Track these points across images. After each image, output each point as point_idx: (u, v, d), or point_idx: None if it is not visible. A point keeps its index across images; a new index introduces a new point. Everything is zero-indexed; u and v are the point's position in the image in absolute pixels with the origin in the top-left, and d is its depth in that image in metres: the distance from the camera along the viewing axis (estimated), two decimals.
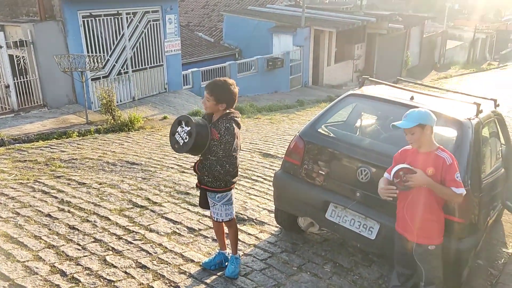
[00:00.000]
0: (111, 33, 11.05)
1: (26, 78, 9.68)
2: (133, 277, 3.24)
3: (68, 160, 6.24)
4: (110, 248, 3.61)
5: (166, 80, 12.81)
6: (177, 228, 4.13)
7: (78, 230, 3.87)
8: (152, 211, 4.46)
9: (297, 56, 18.65)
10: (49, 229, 3.82)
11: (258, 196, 5.24)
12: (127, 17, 11.34)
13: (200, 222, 4.29)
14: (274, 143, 8.35)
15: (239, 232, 4.14)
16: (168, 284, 3.22)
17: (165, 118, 10.63)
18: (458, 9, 64.69)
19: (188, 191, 5.11)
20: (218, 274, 3.42)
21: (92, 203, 4.51)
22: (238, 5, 24.65)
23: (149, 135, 8.77)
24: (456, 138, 3.40)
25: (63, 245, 3.57)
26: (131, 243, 3.73)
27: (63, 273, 3.18)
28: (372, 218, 3.41)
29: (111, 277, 3.21)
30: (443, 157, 2.84)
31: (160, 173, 5.79)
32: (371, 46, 22.82)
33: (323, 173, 3.69)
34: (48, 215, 4.11)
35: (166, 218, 4.31)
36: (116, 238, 3.78)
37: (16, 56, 9.56)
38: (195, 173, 3.24)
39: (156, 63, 12.40)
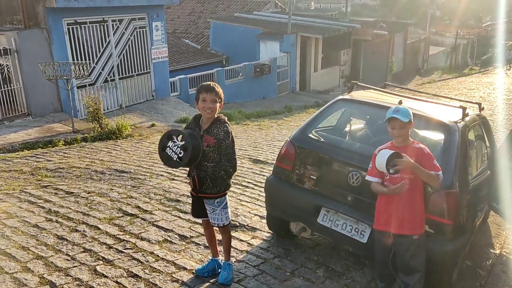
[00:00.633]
0: (97, 41, 10.98)
1: (10, 86, 9.53)
2: (124, 287, 3.20)
3: (55, 169, 6.16)
4: (101, 258, 3.56)
5: (154, 87, 12.76)
6: (169, 236, 4.09)
7: (66, 240, 3.81)
8: (142, 219, 4.42)
9: (284, 62, 18.77)
10: (37, 240, 3.76)
11: (249, 202, 5.24)
12: (113, 24, 11.28)
13: (192, 229, 4.27)
14: (263, 149, 8.36)
15: (232, 238, 4.15)
16: None
17: (153, 125, 10.57)
18: (440, 16, 65.97)
19: (178, 198, 5.08)
20: (211, 281, 3.40)
21: (81, 212, 4.45)
22: (225, 12, 24.76)
23: (138, 142, 8.71)
24: (444, 141, 3.46)
25: (51, 255, 3.51)
26: (122, 252, 3.69)
27: (52, 285, 3.12)
28: (363, 221, 3.43)
29: (101, 287, 3.16)
30: (421, 147, 3.06)
31: (149, 180, 5.75)
32: (356, 52, 23.11)
33: (315, 177, 3.71)
34: (36, 226, 4.04)
35: (157, 226, 4.28)
36: (106, 248, 3.74)
37: (0, 64, 9.42)
38: (192, 185, 3.18)
39: (143, 70, 12.34)
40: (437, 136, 3.66)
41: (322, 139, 3.92)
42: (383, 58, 25.27)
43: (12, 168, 6.23)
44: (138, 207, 4.73)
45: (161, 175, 6.05)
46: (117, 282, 3.24)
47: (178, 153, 2.98)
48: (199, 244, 3.98)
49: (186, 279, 3.40)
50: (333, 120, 4.51)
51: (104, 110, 10.64)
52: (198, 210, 3.32)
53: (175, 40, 20.42)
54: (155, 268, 3.49)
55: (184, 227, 4.32)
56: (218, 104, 3.07)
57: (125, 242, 3.87)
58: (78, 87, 10.45)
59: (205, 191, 3.16)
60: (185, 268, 3.54)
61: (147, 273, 3.40)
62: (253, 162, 7.22)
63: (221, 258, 3.50)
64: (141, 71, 12.27)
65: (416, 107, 3.69)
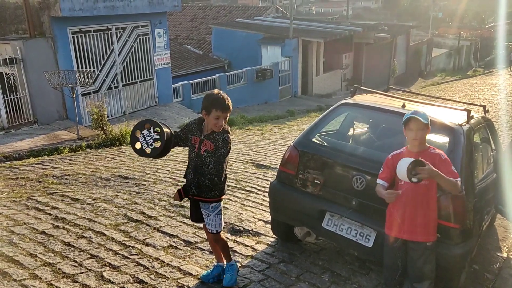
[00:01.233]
0: (101, 48, 11.07)
1: (16, 95, 9.61)
2: None
3: (61, 176, 6.19)
4: (107, 264, 3.57)
5: (157, 94, 12.82)
6: (174, 242, 4.11)
7: (73, 246, 3.83)
8: (147, 225, 4.44)
9: (286, 67, 18.82)
10: (45, 247, 3.78)
11: (253, 207, 5.24)
12: (116, 32, 11.37)
13: (197, 235, 4.28)
14: (266, 153, 8.37)
15: (235, 244, 4.17)
16: None
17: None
18: (442, 18, 65.98)
19: (183, 204, 5.09)
20: (216, 287, 3.40)
21: (87, 219, 4.48)
22: (226, 17, 24.89)
23: None
24: (449, 144, 3.46)
25: (59, 262, 3.53)
26: (128, 258, 3.71)
27: None
28: (368, 226, 3.43)
29: None
30: (438, 153, 3.01)
31: (154, 186, 5.77)
32: (358, 56, 23.14)
33: (319, 182, 3.72)
34: (43, 233, 4.06)
35: (162, 232, 4.29)
36: (112, 254, 3.75)
37: (6, 73, 9.50)
38: (178, 198, 3.17)
39: (146, 77, 12.42)
40: (442, 139, 3.66)
41: (325, 143, 3.93)
42: (385, 61, 25.30)
43: (19, 175, 6.27)
44: (143, 213, 4.75)
45: (165, 181, 6.07)
46: None
47: (149, 143, 3.00)
48: (204, 250, 3.99)
49: (192, 285, 3.41)
50: (336, 124, 4.53)
51: (108, 117, 10.70)
52: (197, 214, 3.32)
53: (177, 46, 20.54)
54: (160, 274, 3.50)
55: (189, 232, 4.33)
56: (226, 120, 3.10)
57: (130, 248, 3.88)
58: (82, 95, 10.52)
59: (200, 194, 3.16)
60: (190, 274, 3.55)
61: (153, 279, 3.41)
62: (256, 167, 7.23)
63: (225, 263, 3.50)
64: (144, 77, 12.35)
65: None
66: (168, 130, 3.09)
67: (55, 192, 5.35)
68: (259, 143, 9.72)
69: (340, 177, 3.65)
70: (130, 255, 3.76)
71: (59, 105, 10.38)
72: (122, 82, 11.78)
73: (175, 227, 4.45)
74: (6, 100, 9.42)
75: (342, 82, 22.33)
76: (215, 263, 3.56)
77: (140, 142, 3.03)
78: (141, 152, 3.07)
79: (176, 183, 5.99)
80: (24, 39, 9.74)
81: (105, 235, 4.11)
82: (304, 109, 16.73)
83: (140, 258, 3.73)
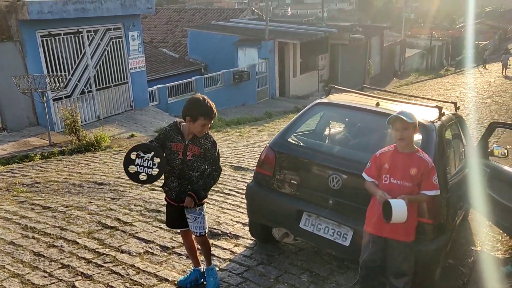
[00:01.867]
0: (72, 52, 10.82)
1: None
2: None
3: (31, 184, 5.99)
4: (79, 273, 3.46)
5: (132, 98, 12.61)
6: (150, 248, 4.01)
7: (44, 256, 3.69)
8: (122, 231, 4.32)
9: (263, 69, 18.83)
10: (13, 257, 3.63)
11: (232, 210, 5.19)
12: (88, 35, 11.14)
13: (173, 240, 4.19)
14: (244, 155, 8.33)
15: (213, 247, 4.10)
16: None
17: (132, 136, 10.43)
18: (414, 19, 67.46)
19: (159, 209, 4.99)
20: None
21: (58, 227, 4.33)
22: (202, 20, 24.75)
23: (117, 154, 8.56)
24: (421, 141, 3.49)
25: (28, 273, 3.40)
26: (102, 266, 3.60)
27: None
28: (345, 224, 3.43)
29: None
30: (427, 161, 3.00)
31: (129, 192, 5.65)
32: (334, 57, 23.37)
33: (295, 182, 3.70)
34: (12, 243, 3.91)
35: (138, 238, 4.19)
36: (85, 262, 3.64)
37: None
38: (175, 201, 3.15)
39: (121, 80, 12.20)
40: (415, 137, 3.69)
41: (301, 143, 3.91)
42: (361, 62, 25.64)
43: None
44: (118, 219, 4.63)
45: (141, 186, 5.95)
46: None
47: (150, 166, 2.92)
48: (181, 255, 3.92)
49: None
50: (312, 124, 4.52)
51: (82, 122, 10.46)
52: (176, 220, 3.26)
53: (153, 49, 20.28)
54: (136, 281, 3.41)
55: (165, 237, 4.24)
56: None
57: (104, 255, 3.77)
58: (54, 100, 10.25)
59: (183, 199, 3.10)
60: (167, 280, 3.47)
61: (127, 287, 3.32)
62: (235, 169, 7.18)
63: (203, 267, 3.44)
64: (118, 81, 12.13)
65: (393, 108, 3.72)
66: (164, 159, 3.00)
67: (25, 201, 5.17)
68: (237, 145, 9.67)
69: (316, 177, 3.63)
70: (104, 263, 3.65)
71: (29, 111, 10.08)
72: (96, 86, 11.54)
73: (151, 232, 4.35)
74: None
75: (319, 83, 22.50)
76: (192, 268, 3.49)
77: (135, 166, 2.94)
78: (134, 177, 2.98)
79: (152, 187, 5.87)
80: None
81: (77, 243, 3.98)
82: (282, 110, 16.77)
83: (114, 265, 3.62)
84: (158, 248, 4.02)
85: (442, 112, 3.74)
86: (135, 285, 3.36)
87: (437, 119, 3.66)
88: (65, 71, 10.56)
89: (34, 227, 4.29)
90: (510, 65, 28.79)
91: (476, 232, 5.16)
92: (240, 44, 19.17)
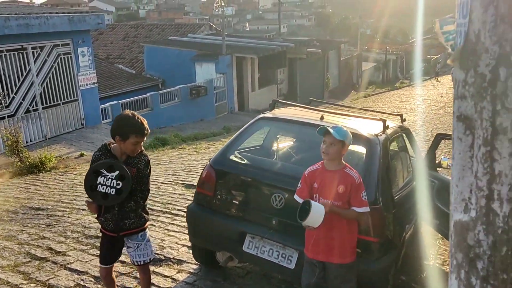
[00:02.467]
0: (15, 69, 10.24)
1: None
2: None
3: None
4: None
5: (83, 115, 12.08)
6: (82, 279, 3.66)
7: None
8: (53, 262, 3.95)
9: (221, 83, 18.71)
10: None
11: (178, 232, 4.90)
12: (33, 52, 10.60)
13: None
14: (198, 172, 8.02)
15: (153, 275, 3.81)
16: None
17: (82, 155, 9.91)
18: (370, 34, 69.91)
19: (99, 234, 4.61)
20: None
21: None
22: (159, 35, 24.44)
23: (62, 175, 8.07)
24: (365, 155, 3.39)
25: None
26: None
27: None
28: (290, 246, 3.24)
29: None
30: (353, 176, 2.83)
31: (68, 217, 5.25)
32: (293, 70, 23.62)
33: (237, 202, 3.49)
34: None
35: (70, 269, 3.83)
36: None
37: None
38: (114, 232, 2.86)
39: (70, 98, 11.66)
40: (359, 150, 3.59)
41: (244, 161, 3.72)
42: (319, 75, 26.04)
43: None
44: (50, 248, 4.24)
45: (83, 209, 5.55)
46: None
47: (114, 185, 2.64)
48: (117, 285, 3.59)
49: None
50: (260, 139, 4.36)
51: (26, 142, 9.88)
52: (113, 255, 2.97)
53: (108, 66, 19.76)
54: None
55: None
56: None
57: None
58: None
59: (129, 227, 2.85)
60: None
61: None
62: (186, 187, 6.89)
63: None
64: (67, 99, 11.58)
65: (338, 122, 3.61)
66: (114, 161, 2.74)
67: None
68: (192, 162, 9.39)
69: (259, 196, 3.44)
70: None
71: None
72: (43, 104, 10.96)
73: (86, 262, 4.00)
74: None
75: (279, 97, 22.61)
76: None
77: (106, 192, 2.66)
78: (94, 196, 2.69)
79: None
80: None
81: None
82: (240, 125, 16.54)
83: None
84: (92, 280, 3.68)
85: (386, 125, 3.66)
86: None
87: (381, 132, 3.57)
88: (7, 89, 9.96)
89: None
90: None
91: (429, 244, 5.11)
92: (198, 59, 19.00)
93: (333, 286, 2.89)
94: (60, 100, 11.41)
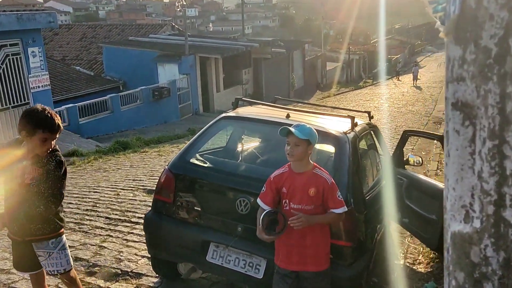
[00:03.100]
0: None
1: None
2: None
3: None
4: None
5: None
6: None
7: None
8: None
9: (185, 84, 18.29)
10: None
11: (137, 242, 4.55)
12: None
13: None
14: None
15: None
16: None
17: None
18: (333, 35, 71.06)
19: None
20: None
21: None
22: (119, 36, 23.68)
23: None
24: (334, 154, 3.20)
25: None
26: None
27: None
28: (257, 254, 3.00)
29: None
30: (324, 178, 2.62)
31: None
32: (258, 71, 23.48)
33: (200, 209, 3.21)
34: None
35: None
36: None
37: None
38: (20, 236, 2.56)
39: (21, 101, 10.96)
40: (327, 149, 3.40)
41: (206, 164, 3.45)
42: (284, 75, 26.04)
43: None
44: None
45: None
46: None
47: None
48: None
49: None
50: (223, 140, 4.10)
51: None
52: (26, 261, 2.67)
53: (64, 67, 18.89)
54: None
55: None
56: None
57: None
58: None
59: (35, 232, 2.55)
60: None
61: None
62: (148, 193, 6.51)
63: None
64: (18, 102, 10.88)
65: (305, 120, 3.40)
66: None
67: None
68: (154, 166, 8.98)
69: (222, 201, 3.19)
70: None
71: None
72: None
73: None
74: None
75: (245, 97, 22.41)
76: None
77: None
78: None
79: None
80: None
81: None
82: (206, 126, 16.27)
83: None
84: None
85: (355, 122, 3.48)
86: None
87: (350, 129, 3.39)
88: None
89: None
90: (419, 76, 30.94)
91: (398, 243, 5.00)
92: (160, 60, 18.49)
93: None
94: (10, 103, 10.71)
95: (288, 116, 3.54)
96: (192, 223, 3.23)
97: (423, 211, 4.11)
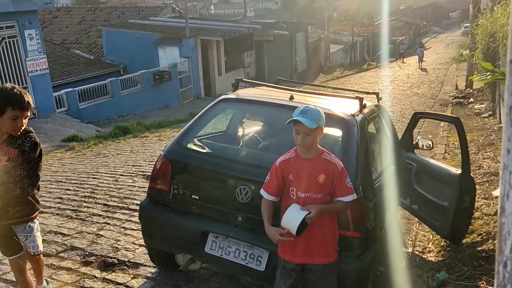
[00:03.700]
0: None
1: None
2: None
3: None
4: None
5: (34, 104, 11.14)
6: None
7: None
8: None
9: (186, 68, 17.98)
10: None
11: (135, 230, 4.39)
12: None
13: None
14: None
15: (104, 283, 3.34)
16: None
17: None
18: (336, 17, 70.07)
19: None
20: None
21: None
22: (119, 19, 23.28)
23: None
24: (342, 138, 2.98)
25: None
26: None
27: None
28: (259, 245, 2.81)
29: None
30: (334, 163, 2.43)
31: None
32: (260, 53, 23.07)
33: (198, 198, 3.02)
34: None
35: (5, 280, 3.28)
36: None
37: None
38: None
39: (19, 85, 10.68)
40: (335, 133, 3.18)
41: (205, 149, 3.23)
42: (287, 58, 25.63)
43: None
44: None
45: None
46: None
47: None
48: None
49: None
50: (224, 124, 3.89)
51: None
52: (9, 243, 2.67)
53: (64, 51, 18.59)
54: None
55: None
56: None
57: None
58: None
59: (13, 215, 2.55)
60: None
61: None
62: (147, 179, 6.32)
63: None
64: None
65: (309, 102, 3.17)
66: None
67: None
68: (155, 151, 8.79)
69: (221, 190, 2.99)
70: None
71: None
72: None
73: None
74: None
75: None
76: None
77: None
78: None
79: None
80: None
81: None
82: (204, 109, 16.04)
83: None
84: None
85: (363, 104, 3.25)
86: None
87: (358, 112, 3.16)
88: None
89: None
90: (425, 58, 30.42)
91: (406, 230, 4.82)
92: (160, 43, 18.14)
93: None
94: None
95: (291, 98, 3.32)
96: (189, 212, 3.05)
97: (434, 197, 3.91)
